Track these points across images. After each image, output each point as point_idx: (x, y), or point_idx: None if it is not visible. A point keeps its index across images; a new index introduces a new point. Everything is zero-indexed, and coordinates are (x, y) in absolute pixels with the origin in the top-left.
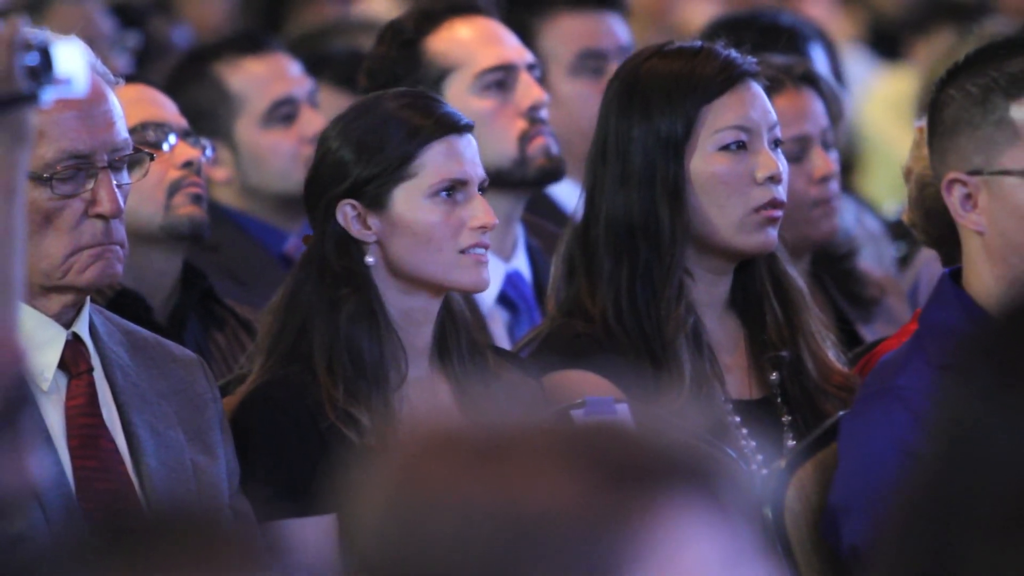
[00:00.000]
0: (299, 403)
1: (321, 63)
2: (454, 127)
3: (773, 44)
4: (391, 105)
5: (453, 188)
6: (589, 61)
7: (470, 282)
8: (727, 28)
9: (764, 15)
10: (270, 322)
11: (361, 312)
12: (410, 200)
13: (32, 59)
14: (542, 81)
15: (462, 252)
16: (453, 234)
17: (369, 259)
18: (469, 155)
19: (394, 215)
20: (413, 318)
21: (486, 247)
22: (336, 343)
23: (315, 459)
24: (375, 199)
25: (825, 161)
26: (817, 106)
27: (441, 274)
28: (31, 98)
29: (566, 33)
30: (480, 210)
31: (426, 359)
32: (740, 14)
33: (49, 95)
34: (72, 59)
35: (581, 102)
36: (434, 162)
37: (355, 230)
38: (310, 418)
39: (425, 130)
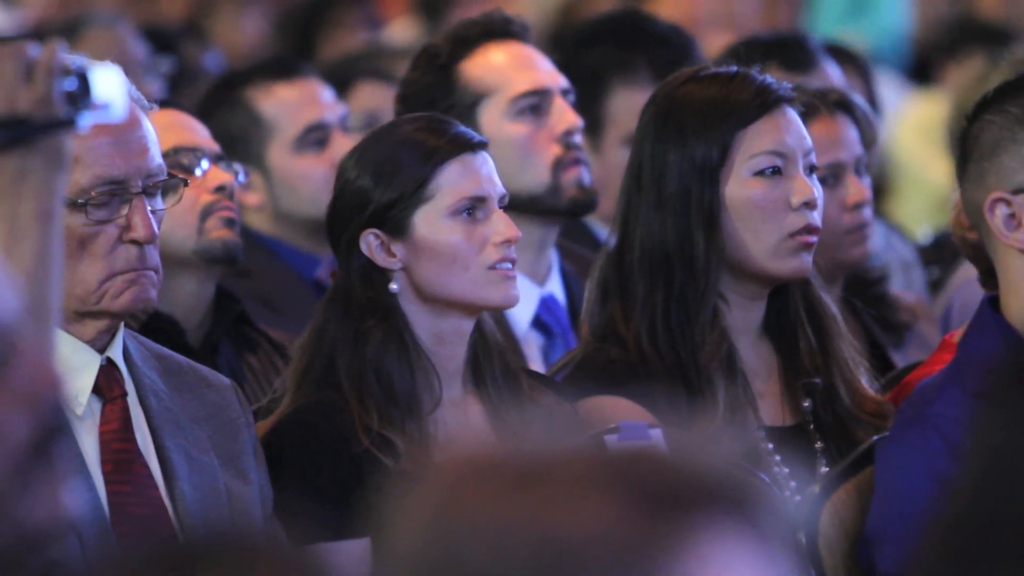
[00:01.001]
0: (332, 427)
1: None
2: (467, 145)
3: (791, 63)
4: (404, 130)
5: (472, 207)
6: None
7: (499, 298)
8: (750, 48)
9: (790, 36)
10: (298, 358)
11: (389, 340)
12: (431, 222)
13: (70, 84)
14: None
15: (489, 268)
16: (477, 251)
17: (393, 286)
18: (485, 172)
19: (417, 239)
20: (445, 340)
21: (513, 261)
22: (364, 373)
23: (349, 482)
24: (397, 225)
25: (859, 188)
26: (851, 133)
27: (470, 293)
28: (69, 123)
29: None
30: (502, 225)
31: (459, 381)
32: (764, 36)
33: (87, 120)
34: (110, 84)
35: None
36: (450, 182)
37: (380, 259)
38: (343, 442)
39: (439, 151)
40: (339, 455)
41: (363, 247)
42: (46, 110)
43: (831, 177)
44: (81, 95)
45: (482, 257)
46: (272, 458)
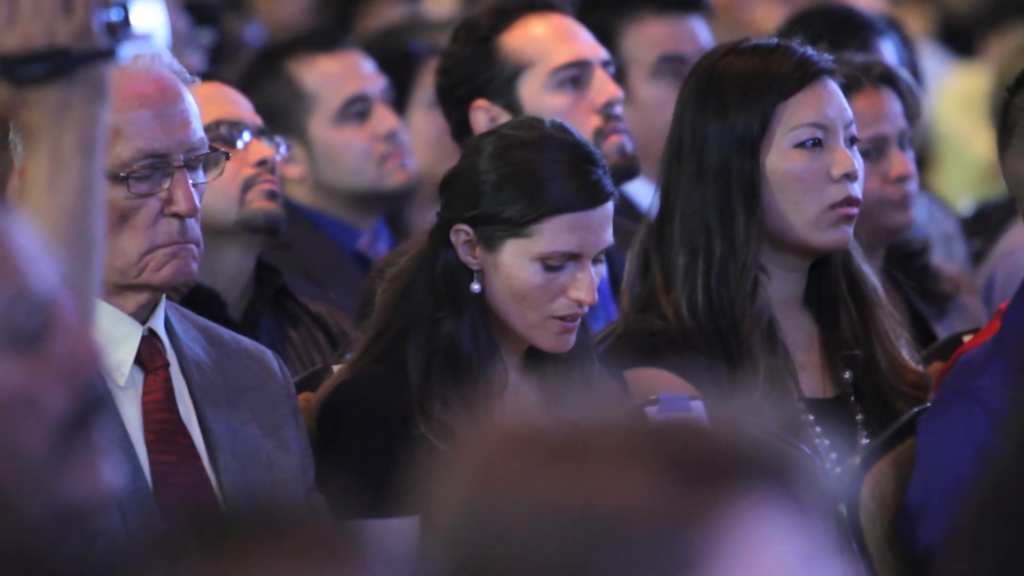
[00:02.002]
0: (389, 403)
1: None
2: (590, 201)
3: (845, 38)
4: (547, 156)
5: (563, 263)
6: (670, 65)
7: (550, 346)
8: (800, 22)
9: (838, 9)
10: (382, 308)
11: (464, 329)
12: (518, 255)
13: (111, 15)
14: (621, 83)
15: (553, 318)
16: (549, 300)
17: (475, 286)
18: (595, 227)
19: (499, 260)
20: (506, 342)
21: (577, 318)
22: (436, 355)
23: (401, 460)
24: (488, 238)
25: (902, 161)
26: (895, 106)
27: (524, 329)
28: (110, 54)
29: (649, 37)
30: (585, 285)
31: (519, 369)
32: (813, 8)
33: (128, 51)
34: (150, 15)
35: (660, 105)
36: (553, 233)
37: (463, 254)
38: (400, 420)
39: (562, 200)
40: (394, 432)
41: (452, 238)
42: (86, 41)
43: (874, 150)
44: (121, 26)
45: (552, 306)
46: (326, 427)
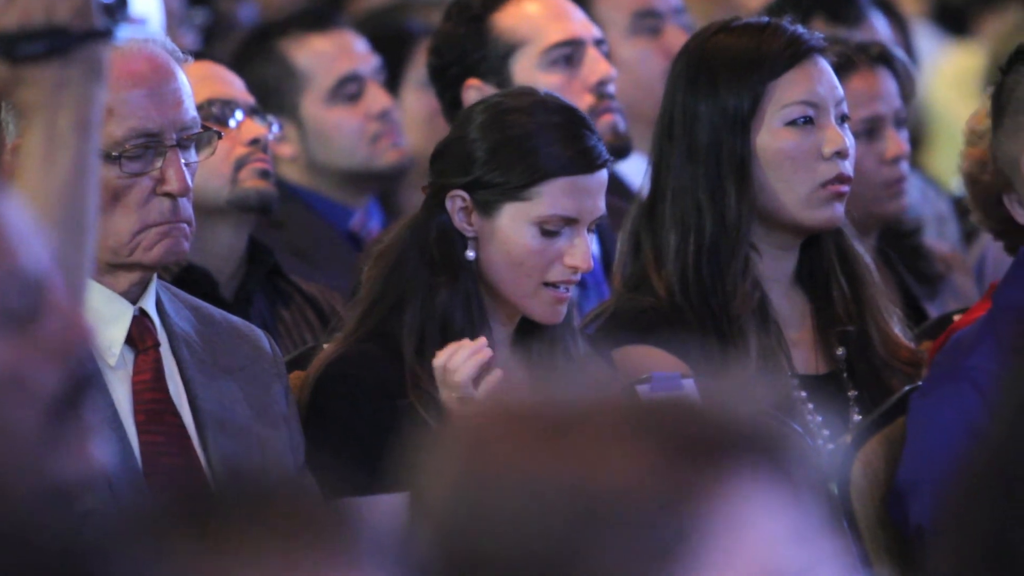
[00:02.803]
0: (378, 381)
1: None
2: (589, 166)
3: (838, 16)
4: (541, 120)
5: (561, 227)
6: (645, 21)
7: (542, 315)
8: (791, 0)
9: None
10: (373, 280)
11: (457, 298)
12: (516, 220)
13: None
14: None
15: (547, 285)
16: (545, 265)
17: (470, 253)
18: (592, 192)
19: (496, 225)
20: (497, 316)
21: (572, 284)
22: (429, 324)
23: (389, 437)
24: (485, 203)
25: (897, 142)
26: (891, 86)
27: (518, 298)
28: (107, 34)
29: None
30: (580, 251)
31: (508, 346)
32: None
33: (124, 32)
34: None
35: (642, 62)
36: (553, 196)
37: (458, 221)
38: (386, 396)
39: (558, 163)
40: (381, 409)
41: (448, 204)
42: (85, 20)
43: (870, 130)
44: (118, 7)
45: (546, 272)
46: (316, 405)
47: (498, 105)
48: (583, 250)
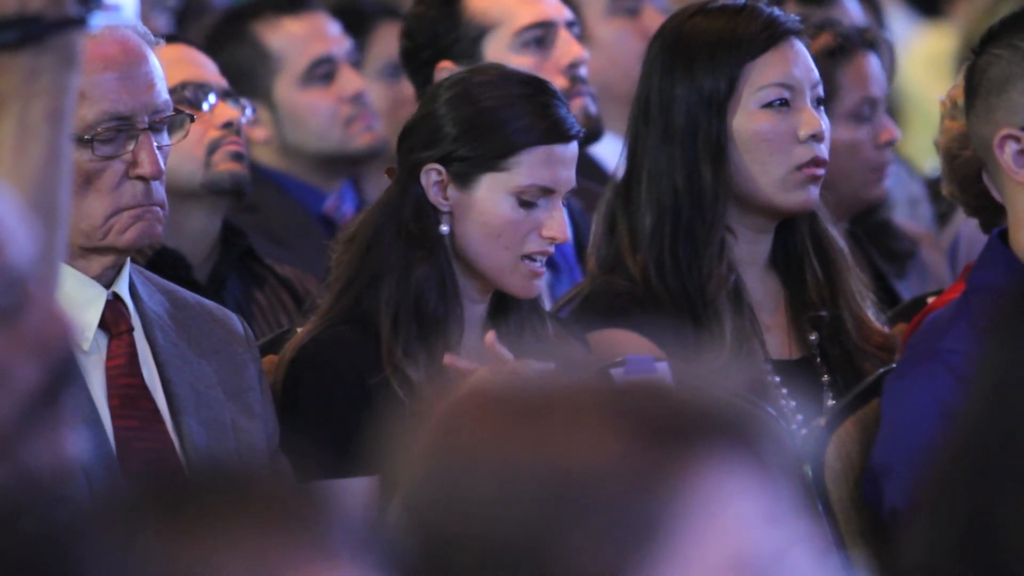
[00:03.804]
0: (348, 362)
1: None
2: (564, 136)
3: None
4: (512, 91)
5: (539, 196)
6: (623, 1)
7: (519, 289)
8: None
9: None
10: (348, 261)
11: (432, 275)
12: (494, 190)
13: None
14: (579, 29)
15: (523, 257)
16: (522, 237)
17: (443, 228)
18: (567, 162)
19: (473, 197)
20: (469, 295)
21: (547, 257)
22: (405, 300)
23: (361, 420)
24: (462, 175)
25: (890, 127)
26: (880, 68)
27: (494, 272)
28: (81, 22)
29: None
30: (557, 222)
31: (479, 329)
32: None
33: (98, 20)
34: None
35: (620, 43)
36: (530, 165)
37: (432, 195)
38: (358, 378)
39: (534, 133)
40: (354, 391)
41: (422, 179)
42: (57, 8)
43: (861, 114)
44: None
45: (523, 244)
46: (288, 391)
47: (465, 80)
48: (560, 220)
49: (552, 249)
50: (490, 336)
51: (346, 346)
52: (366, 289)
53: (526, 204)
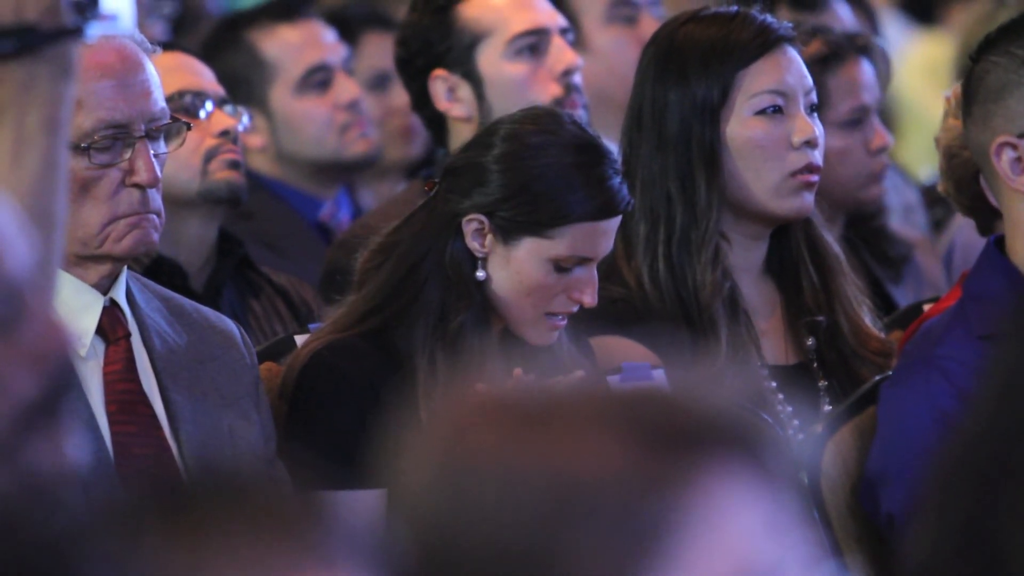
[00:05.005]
0: (362, 371)
1: None
2: (610, 212)
3: (801, 3)
4: (566, 160)
5: (574, 266)
6: (621, 9)
7: (535, 339)
8: None
9: None
10: (379, 285)
11: (470, 321)
12: (534, 254)
13: None
14: (576, 37)
15: (548, 314)
16: (552, 298)
17: (480, 274)
18: (610, 234)
19: (512, 254)
20: (495, 323)
21: (569, 314)
22: (441, 344)
23: (371, 431)
24: (503, 231)
25: (882, 133)
26: (872, 75)
27: (516, 322)
28: (77, 32)
29: None
30: (589, 288)
31: (494, 345)
32: None
33: (95, 30)
34: None
35: (617, 51)
36: (575, 238)
37: (470, 241)
38: (372, 388)
39: (586, 209)
40: (366, 402)
41: (464, 226)
42: (54, 18)
43: (853, 121)
44: (89, 5)
45: (550, 302)
46: (298, 396)
47: (520, 136)
48: (593, 287)
49: (575, 309)
50: (517, 373)
51: (361, 355)
52: (396, 318)
53: (562, 270)
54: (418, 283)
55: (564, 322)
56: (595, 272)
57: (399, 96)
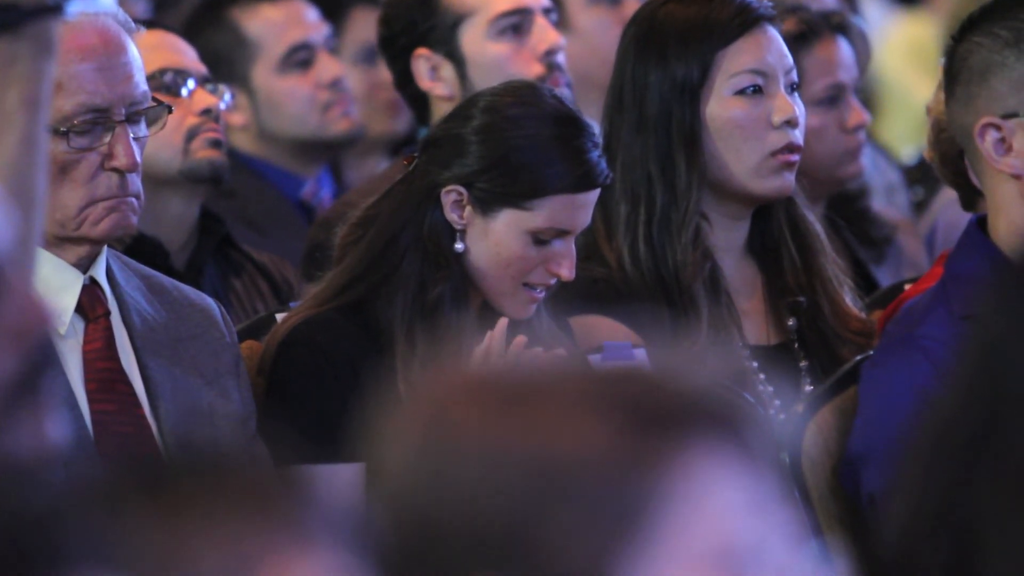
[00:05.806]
0: (341, 346)
1: None
2: (593, 184)
3: None
4: (545, 133)
5: (555, 237)
6: None
7: (513, 312)
8: None
9: None
10: (358, 257)
11: (449, 293)
12: (512, 225)
13: None
14: (560, 17)
15: (525, 285)
16: (530, 269)
17: (459, 246)
18: (588, 207)
19: (490, 226)
20: (473, 296)
21: (548, 288)
22: (420, 315)
23: (350, 405)
24: (482, 202)
25: (858, 111)
26: (850, 54)
27: (493, 293)
28: (57, 9)
29: None
30: (566, 260)
31: (474, 321)
32: None
33: (75, 7)
34: None
35: (600, 32)
36: (553, 209)
37: (449, 213)
38: (350, 363)
39: (564, 181)
40: (345, 377)
41: (442, 197)
42: None
43: (828, 99)
44: None
45: (528, 274)
46: (277, 371)
47: (499, 108)
48: (571, 260)
49: (554, 282)
50: (520, 340)
51: (340, 330)
52: (374, 291)
53: (540, 242)
54: (397, 255)
55: (542, 294)
56: (573, 245)
57: (386, 71)
